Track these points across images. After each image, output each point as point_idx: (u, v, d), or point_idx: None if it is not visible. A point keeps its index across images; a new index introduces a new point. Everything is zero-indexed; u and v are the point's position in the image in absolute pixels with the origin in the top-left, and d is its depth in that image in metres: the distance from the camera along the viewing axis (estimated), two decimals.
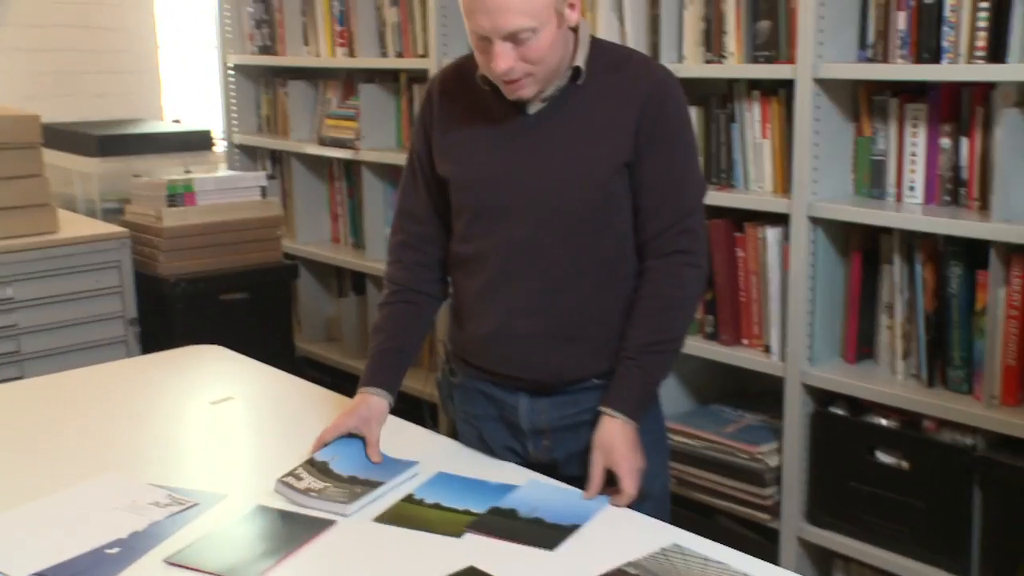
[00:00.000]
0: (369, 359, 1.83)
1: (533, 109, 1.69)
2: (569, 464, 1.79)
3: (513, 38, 1.56)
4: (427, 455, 1.77)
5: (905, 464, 2.34)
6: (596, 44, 1.72)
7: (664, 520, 1.65)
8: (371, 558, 1.47)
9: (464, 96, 1.75)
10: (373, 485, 1.64)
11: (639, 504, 1.69)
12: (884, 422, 2.40)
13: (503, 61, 1.57)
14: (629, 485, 1.64)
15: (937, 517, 2.30)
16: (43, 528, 1.54)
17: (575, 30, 1.67)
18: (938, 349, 2.34)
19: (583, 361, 1.75)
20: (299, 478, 1.64)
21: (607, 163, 1.69)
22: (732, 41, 2.54)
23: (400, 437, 1.85)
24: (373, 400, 1.77)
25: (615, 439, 1.67)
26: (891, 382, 2.39)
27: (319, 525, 1.53)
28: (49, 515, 1.58)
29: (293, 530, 1.52)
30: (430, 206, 1.83)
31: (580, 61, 1.68)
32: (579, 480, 1.70)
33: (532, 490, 1.67)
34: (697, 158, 1.80)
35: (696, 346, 2.69)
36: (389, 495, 1.63)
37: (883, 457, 2.38)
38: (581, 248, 1.70)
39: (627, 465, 1.65)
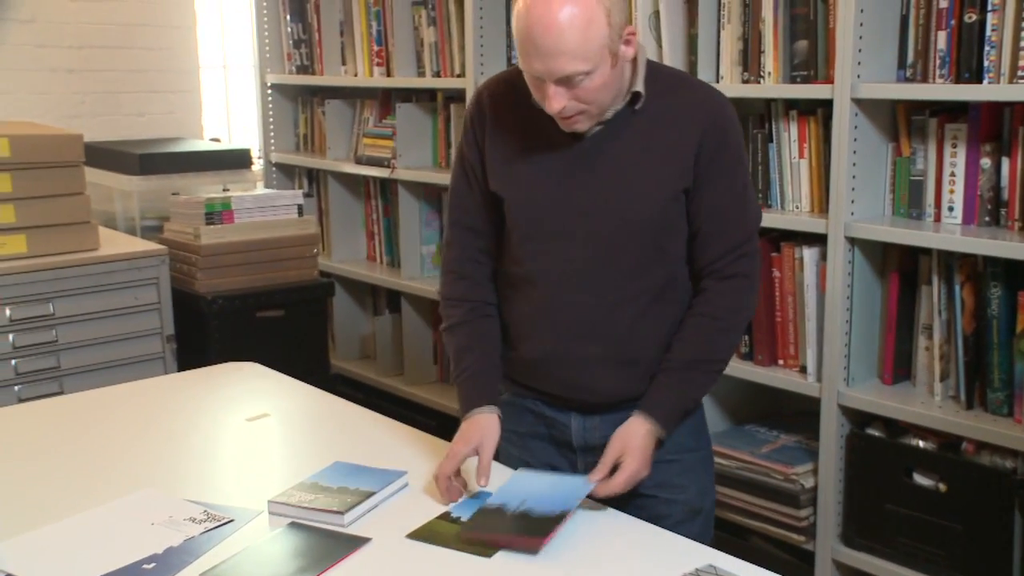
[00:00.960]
0: (465, 382, 1.77)
1: (590, 132, 1.67)
2: None
3: (567, 81, 1.54)
4: (466, 475, 1.77)
5: (943, 487, 2.31)
6: (651, 67, 1.69)
7: (708, 537, 1.63)
8: None
9: (516, 110, 1.72)
10: (365, 495, 1.64)
11: (691, 521, 1.69)
12: (921, 444, 2.38)
13: (556, 102, 1.56)
14: (621, 483, 1.62)
15: (975, 541, 2.26)
16: (81, 543, 1.54)
17: (634, 57, 1.64)
18: (977, 371, 2.30)
19: (635, 383, 1.73)
20: (290, 496, 1.65)
21: (665, 189, 1.67)
22: (770, 61, 2.53)
23: (438, 457, 1.85)
24: (483, 420, 1.72)
25: (636, 439, 1.65)
26: (929, 404, 2.36)
27: (354, 543, 1.53)
28: (86, 530, 1.58)
29: (328, 547, 1.51)
30: (488, 217, 1.79)
31: (639, 86, 1.65)
32: (633, 499, 1.71)
33: (518, 483, 1.67)
34: (750, 181, 1.78)
35: (732, 366, 2.64)
36: (420, 512, 1.62)
37: (920, 479, 2.35)
38: (635, 272, 1.69)
39: (634, 467, 1.63)
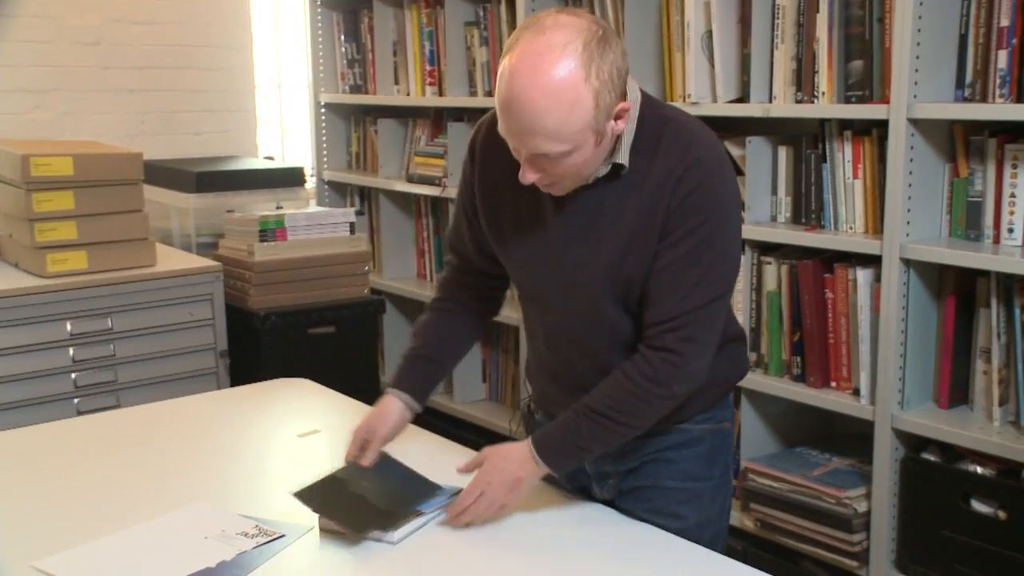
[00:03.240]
0: (401, 360, 1.82)
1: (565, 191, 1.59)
2: (622, 497, 1.76)
3: (542, 158, 1.46)
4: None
5: (1002, 514, 2.25)
6: (640, 118, 1.56)
7: None
8: None
9: (506, 158, 1.59)
10: (414, 515, 1.65)
11: None
12: (979, 470, 2.32)
13: (529, 175, 1.49)
14: (461, 502, 1.61)
15: None
16: (136, 555, 1.55)
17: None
18: None
19: None
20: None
21: (638, 257, 1.57)
22: (824, 81, 2.50)
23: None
24: (391, 405, 1.75)
25: (502, 459, 1.62)
26: (987, 429, 2.30)
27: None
28: (141, 543, 1.59)
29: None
30: (473, 247, 1.78)
31: (623, 158, 1.54)
32: (630, 514, 1.70)
33: (377, 466, 1.72)
34: (724, 253, 1.58)
35: (783, 388, 2.63)
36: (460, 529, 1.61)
37: (978, 506, 2.29)
38: (614, 331, 1.64)
39: (482, 483, 1.60)
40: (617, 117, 1.48)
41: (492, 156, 1.66)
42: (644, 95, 1.59)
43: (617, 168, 1.55)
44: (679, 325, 1.55)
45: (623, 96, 1.48)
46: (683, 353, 1.56)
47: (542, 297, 1.69)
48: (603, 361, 1.63)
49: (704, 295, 1.56)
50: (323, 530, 1.61)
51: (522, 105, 1.41)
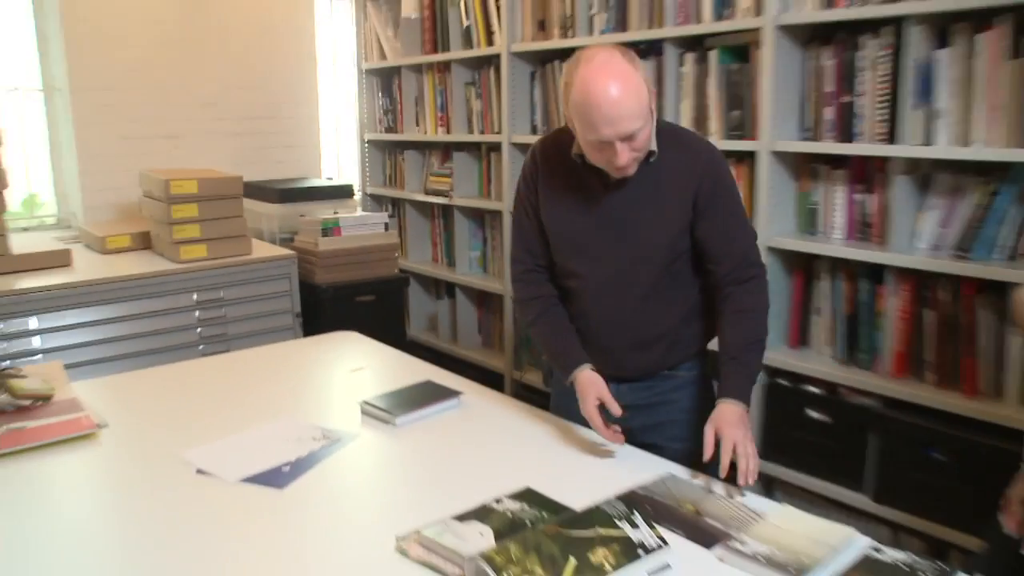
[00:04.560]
0: (558, 358, 1.66)
1: (613, 179, 1.57)
2: (645, 433, 1.68)
3: (629, 137, 1.46)
4: (518, 422, 1.73)
5: (828, 419, 2.31)
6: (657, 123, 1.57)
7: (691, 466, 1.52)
8: None
9: (560, 165, 1.62)
10: (419, 404, 1.71)
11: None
12: (814, 389, 2.37)
13: (624, 157, 1.47)
14: (728, 452, 1.41)
15: (844, 454, 2.26)
16: (241, 452, 1.57)
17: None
18: (852, 339, 2.30)
19: (655, 360, 1.68)
20: (379, 399, 1.75)
21: (673, 225, 1.57)
22: (714, 123, 2.53)
23: (481, 395, 1.84)
24: (585, 376, 1.61)
25: (725, 417, 1.47)
26: (821, 361, 2.35)
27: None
28: (245, 444, 1.61)
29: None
30: (543, 244, 1.70)
31: (654, 145, 1.54)
32: (653, 447, 1.61)
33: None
34: (741, 208, 1.62)
35: None
36: (467, 424, 1.62)
37: (812, 414, 2.34)
38: (653, 281, 1.62)
39: (731, 437, 1.43)
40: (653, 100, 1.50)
41: (550, 162, 1.65)
42: None
43: (647, 157, 1.54)
44: (748, 261, 1.59)
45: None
46: (762, 274, 1.60)
47: (595, 259, 1.62)
48: (640, 298, 1.62)
49: (746, 237, 1.61)
50: (364, 414, 1.71)
51: (608, 101, 1.42)
